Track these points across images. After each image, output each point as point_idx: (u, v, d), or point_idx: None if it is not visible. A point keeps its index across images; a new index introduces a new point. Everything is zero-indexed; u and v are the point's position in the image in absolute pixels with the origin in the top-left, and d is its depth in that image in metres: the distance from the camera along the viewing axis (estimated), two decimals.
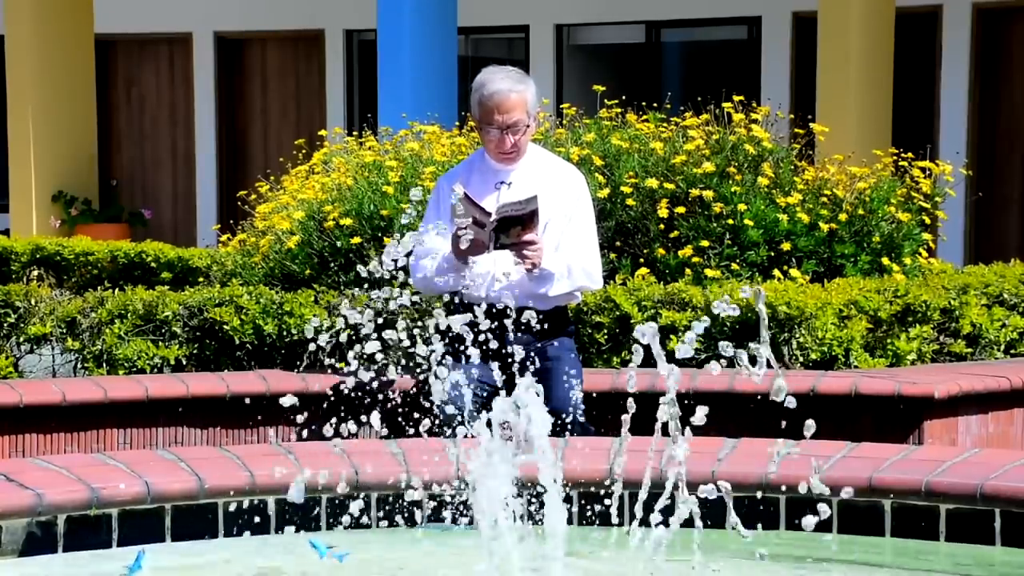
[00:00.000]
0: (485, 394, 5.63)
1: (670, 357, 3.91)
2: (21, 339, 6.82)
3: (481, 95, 5.78)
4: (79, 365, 6.66)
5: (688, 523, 3.99)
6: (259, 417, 6.12)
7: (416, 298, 6.30)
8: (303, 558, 4.32)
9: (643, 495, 4.02)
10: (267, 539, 4.54)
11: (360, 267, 4.60)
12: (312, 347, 6.32)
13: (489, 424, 3.82)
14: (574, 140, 7.46)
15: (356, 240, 6.98)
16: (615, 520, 4.21)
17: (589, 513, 4.59)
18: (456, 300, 5.90)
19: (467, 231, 5.50)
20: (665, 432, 3.89)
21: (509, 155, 5.85)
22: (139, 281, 8.89)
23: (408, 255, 4.79)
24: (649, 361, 3.96)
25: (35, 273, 9.60)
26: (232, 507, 4.54)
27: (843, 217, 7.23)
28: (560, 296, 5.85)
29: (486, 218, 5.52)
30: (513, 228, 5.57)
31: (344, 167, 7.67)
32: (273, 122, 18.10)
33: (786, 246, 7.08)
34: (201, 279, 8.51)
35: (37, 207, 15.56)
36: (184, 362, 6.54)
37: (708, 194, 7.10)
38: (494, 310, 5.46)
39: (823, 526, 4.51)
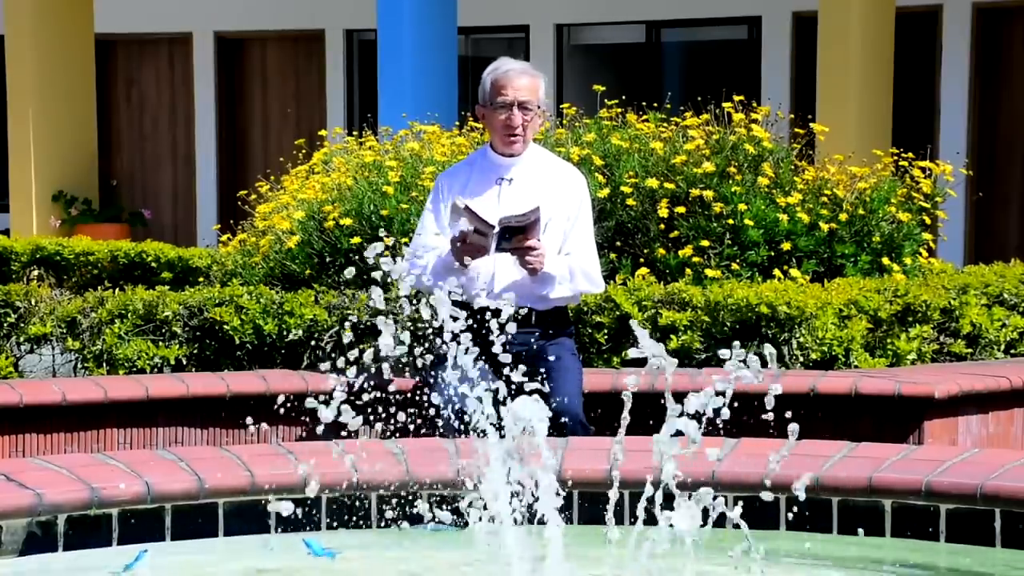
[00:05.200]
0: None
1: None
2: (21, 339, 6.81)
3: (496, 73, 5.86)
4: (79, 365, 6.65)
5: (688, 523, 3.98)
6: (259, 417, 6.12)
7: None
8: (302, 558, 4.32)
9: (644, 494, 4.02)
10: (267, 539, 4.54)
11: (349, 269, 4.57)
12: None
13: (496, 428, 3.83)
14: (574, 140, 7.46)
15: (356, 240, 6.98)
16: (614, 520, 4.21)
17: (589, 512, 4.59)
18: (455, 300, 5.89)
19: (461, 239, 5.55)
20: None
21: (515, 136, 5.86)
22: (139, 281, 8.89)
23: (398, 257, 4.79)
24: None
25: (35, 273, 9.60)
26: (232, 507, 4.54)
27: (843, 217, 7.23)
28: (560, 298, 5.87)
29: (488, 229, 5.56)
30: (515, 235, 5.61)
31: (344, 167, 7.67)
32: (273, 122, 18.11)
33: (786, 246, 7.08)
34: (201, 279, 8.51)
35: (37, 207, 15.56)
36: (184, 362, 6.54)
37: (708, 194, 7.10)
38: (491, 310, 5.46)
39: (824, 527, 4.51)
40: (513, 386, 5.41)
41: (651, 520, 3.94)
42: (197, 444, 6.04)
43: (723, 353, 3.86)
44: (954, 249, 13.64)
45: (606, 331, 6.46)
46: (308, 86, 17.93)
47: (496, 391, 4.00)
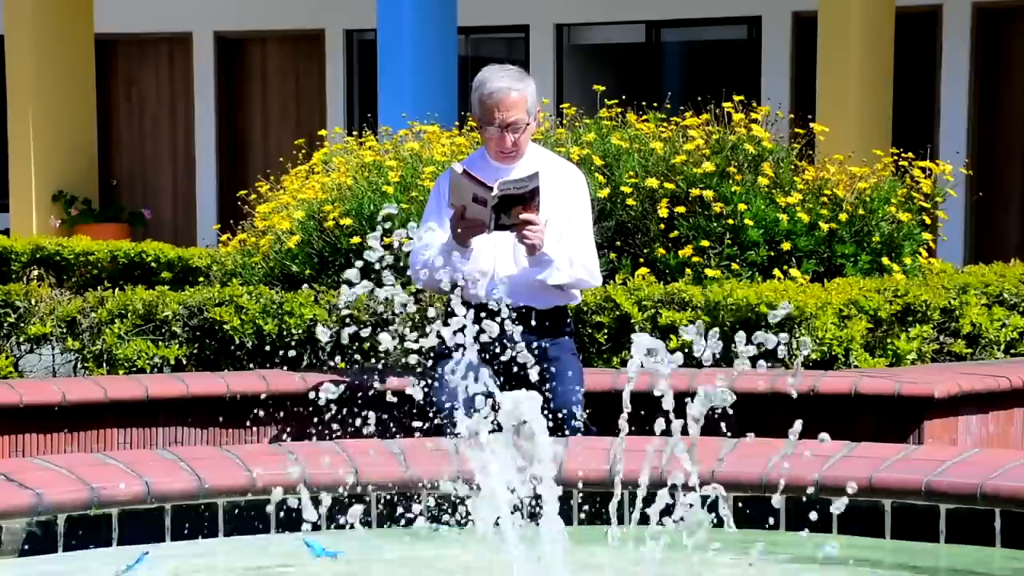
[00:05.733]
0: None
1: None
2: (21, 339, 6.82)
3: (481, 94, 5.79)
4: (79, 365, 6.65)
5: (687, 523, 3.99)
6: (259, 417, 6.12)
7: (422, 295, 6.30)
8: (303, 558, 4.32)
9: (642, 494, 4.03)
10: (267, 539, 4.54)
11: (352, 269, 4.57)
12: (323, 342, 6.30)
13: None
14: (574, 140, 7.46)
15: (356, 240, 6.98)
16: (615, 519, 4.21)
17: (589, 512, 4.59)
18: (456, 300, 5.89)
19: (460, 215, 5.47)
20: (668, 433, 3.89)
21: (509, 154, 5.86)
22: (139, 281, 8.89)
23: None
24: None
25: (35, 273, 9.60)
26: (232, 507, 4.54)
27: (843, 217, 7.23)
28: (559, 294, 5.85)
29: (487, 193, 5.46)
30: (514, 208, 5.51)
31: (344, 167, 7.67)
32: (273, 122, 18.10)
33: (786, 246, 7.08)
34: (201, 279, 8.51)
35: (37, 207, 15.57)
36: (184, 362, 6.54)
37: (708, 194, 7.10)
38: (493, 310, 5.46)
39: (825, 526, 4.51)
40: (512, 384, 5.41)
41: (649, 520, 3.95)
42: (197, 444, 6.04)
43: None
44: (954, 249, 13.64)
45: (606, 331, 6.46)
46: (308, 86, 17.92)
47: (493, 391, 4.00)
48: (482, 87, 5.81)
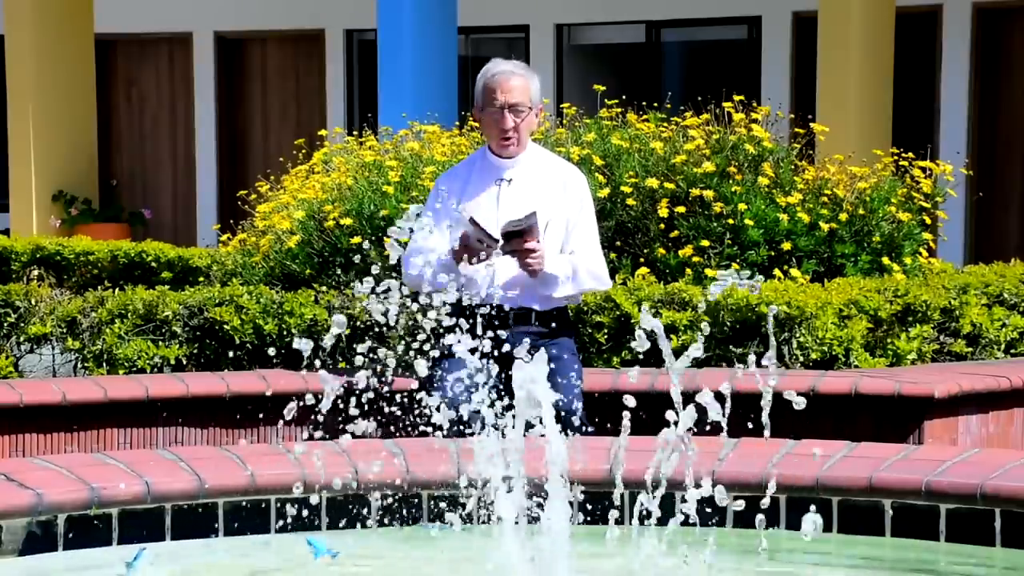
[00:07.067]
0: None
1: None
2: (21, 339, 6.81)
3: (486, 77, 5.88)
4: (79, 365, 6.65)
5: (687, 522, 3.99)
6: (259, 417, 6.12)
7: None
8: (302, 557, 4.32)
9: (642, 494, 4.03)
10: (267, 539, 4.54)
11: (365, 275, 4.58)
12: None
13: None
14: (574, 140, 7.46)
15: (356, 240, 6.98)
16: (614, 519, 4.21)
17: (590, 512, 4.59)
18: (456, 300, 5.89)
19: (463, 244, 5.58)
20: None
21: (509, 138, 5.86)
22: (139, 281, 8.89)
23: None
24: (649, 360, 3.96)
25: (35, 273, 9.59)
26: (232, 507, 4.54)
27: (843, 217, 7.23)
28: (563, 297, 5.87)
29: (493, 243, 5.58)
30: (514, 237, 5.63)
31: (344, 167, 7.67)
32: (273, 122, 18.10)
33: (786, 246, 7.08)
34: (201, 279, 8.51)
35: (37, 207, 15.57)
36: (184, 362, 6.54)
37: (708, 194, 7.10)
38: (493, 310, 5.46)
39: (824, 526, 4.51)
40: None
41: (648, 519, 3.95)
42: (197, 444, 6.04)
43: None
44: (954, 249, 13.64)
45: (606, 331, 6.46)
46: (308, 86, 17.92)
47: (496, 390, 4.00)
48: (487, 72, 5.91)
